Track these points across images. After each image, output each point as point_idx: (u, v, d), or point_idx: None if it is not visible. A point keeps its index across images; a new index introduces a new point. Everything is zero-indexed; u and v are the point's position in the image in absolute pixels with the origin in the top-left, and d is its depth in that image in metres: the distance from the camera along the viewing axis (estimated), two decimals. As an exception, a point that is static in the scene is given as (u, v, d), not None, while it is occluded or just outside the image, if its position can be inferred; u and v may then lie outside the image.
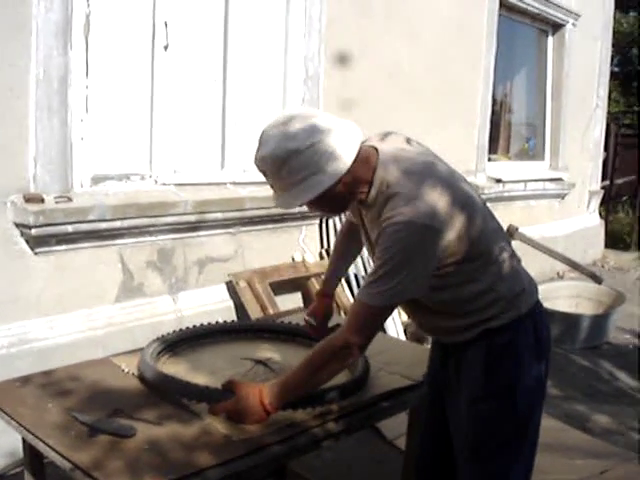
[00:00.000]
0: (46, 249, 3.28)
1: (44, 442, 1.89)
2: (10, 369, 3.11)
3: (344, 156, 1.87)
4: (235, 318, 4.19)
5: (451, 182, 1.94)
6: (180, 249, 3.91)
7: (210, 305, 4.06)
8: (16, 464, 3.10)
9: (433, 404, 2.29)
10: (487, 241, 1.99)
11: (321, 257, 4.70)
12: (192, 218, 3.83)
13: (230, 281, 4.15)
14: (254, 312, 4.04)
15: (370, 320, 1.96)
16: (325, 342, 2.03)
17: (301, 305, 4.59)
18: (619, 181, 10.52)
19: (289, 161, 1.83)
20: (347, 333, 1.96)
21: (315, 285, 4.47)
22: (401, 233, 1.80)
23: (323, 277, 2.59)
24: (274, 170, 1.87)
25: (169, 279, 3.89)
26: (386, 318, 2.06)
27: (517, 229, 6.22)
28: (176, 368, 2.37)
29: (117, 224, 3.47)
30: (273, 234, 4.42)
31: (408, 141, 2.06)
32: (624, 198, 11.45)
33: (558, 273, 7.65)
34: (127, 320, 3.66)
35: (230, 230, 4.14)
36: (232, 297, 4.18)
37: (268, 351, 2.59)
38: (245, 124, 4.25)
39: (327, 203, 1.95)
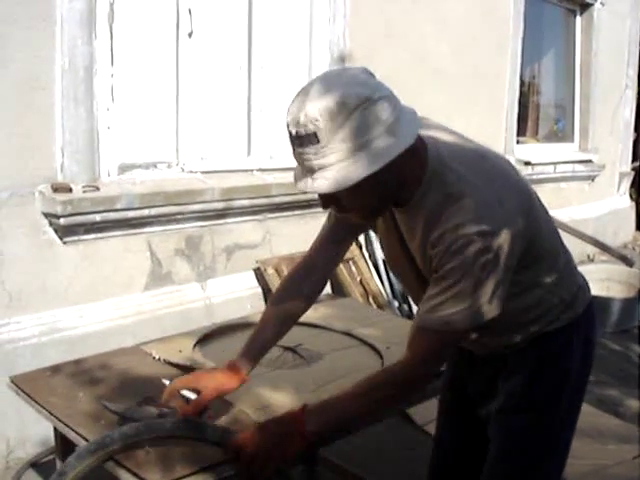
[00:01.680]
0: (75, 238, 3.29)
1: (75, 431, 1.90)
2: (41, 358, 3.14)
3: (410, 125, 1.50)
4: (263, 304, 4.18)
5: (512, 174, 1.66)
6: (208, 236, 3.91)
7: (238, 292, 4.06)
8: (48, 452, 3.13)
9: (452, 404, 2.11)
10: (551, 237, 1.74)
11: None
12: (219, 205, 3.82)
13: (258, 268, 4.14)
14: (282, 299, 4.03)
15: (440, 347, 1.63)
16: (385, 375, 1.74)
17: (329, 291, 4.58)
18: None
19: (356, 113, 1.39)
20: (412, 366, 1.65)
21: (344, 272, 4.45)
22: (476, 245, 1.46)
23: (245, 343, 2.01)
24: (331, 128, 1.38)
25: (197, 267, 3.89)
26: (459, 342, 1.72)
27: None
28: (205, 356, 2.37)
29: (145, 212, 3.47)
30: (301, 220, 4.40)
31: (445, 128, 1.72)
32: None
33: (588, 256, 7.56)
34: (156, 308, 3.67)
35: (257, 217, 4.13)
36: (260, 284, 4.17)
37: (296, 337, 2.57)
38: (271, 110, 4.22)
39: (376, 194, 1.52)
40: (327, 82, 1.44)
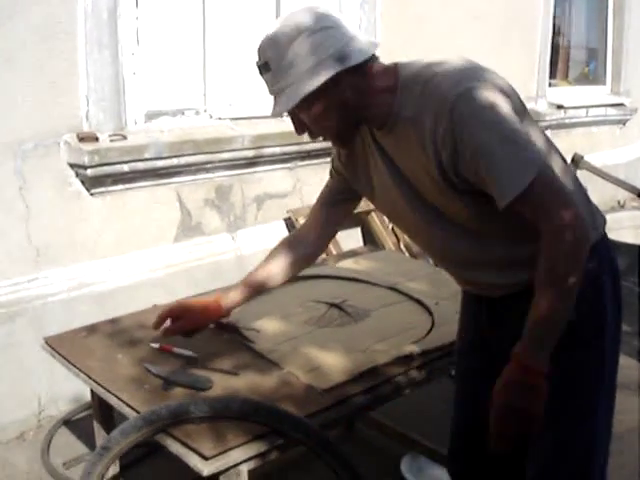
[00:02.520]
0: (102, 190, 3.16)
1: (117, 397, 1.80)
2: (71, 313, 3.06)
3: (365, 43, 1.58)
4: (295, 256, 4.06)
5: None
6: (238, 186, 3.77)
7: (269, 243, 3.91)
8: (80, 409, 3.06)
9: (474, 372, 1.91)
10: (552, 148, 1.64)
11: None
12: (249, 153, 3.68)
13: (289, 217, 4.01)
14: (314, 249, 3.91)
15: (552, 187, 1.47)
16: (551, 256, 1.46)
17: (361, 243, 4.45)
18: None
19: (298, 40, 1.52)
20: (553, 219, 1.44)
21: (376, 220, 4.31)
22: (475, 96, 1.46)
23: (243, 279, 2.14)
24: (278, 55, 1.53)
25: (227, 217, 3.77)
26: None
27: (582, 157, 5.94)
28: (245, 311, 2.25)
29: (174, 162, 3.33)
30: (331, 168, 4.25)
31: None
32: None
33: (619, 202, 7.36)
34: (186, 260, 3.56)
35: (288, 165, 3.98)
36: (292, 235, 4.04)
37: (340, 292, 2.46)
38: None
39: (334, 115, 1.58)
40: (279, 19, 1.60)
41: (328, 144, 3.57)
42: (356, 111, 1.60)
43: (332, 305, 2.32)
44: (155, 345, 2.03)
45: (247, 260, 3.78)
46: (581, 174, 5.92)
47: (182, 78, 3.55)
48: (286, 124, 3.95)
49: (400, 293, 2.47)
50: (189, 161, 3.41)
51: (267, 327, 2.16)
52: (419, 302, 2.40)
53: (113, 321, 2.23)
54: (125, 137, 3.13)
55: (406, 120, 1.56)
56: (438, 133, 1.49)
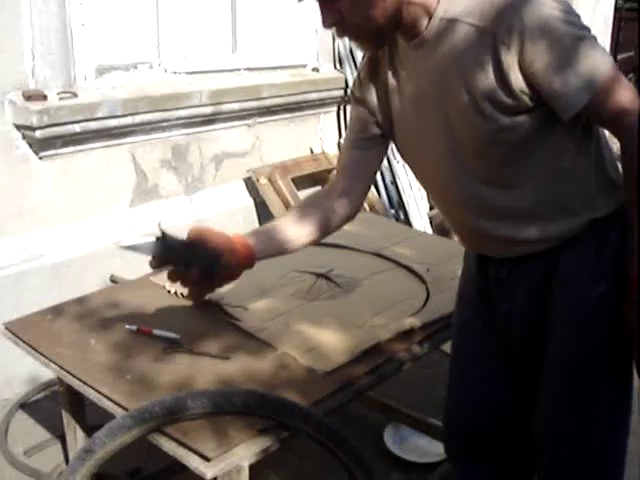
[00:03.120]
0: (52, 152, 2.90)
1: (96, 390, 1.61)
2: (24, 288, 2.83)
3: None
4: (256, 218, 3.87)
5: None
6: (195, 145, 3.54)
7: (229, 205, 3.74)
8: (36, 391, 2.84)
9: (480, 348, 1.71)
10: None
11: (340, 148, 4.34)
12: (207, 110, 3.44)
13: (249, 178, 3.80)
14: (277, 211, 3.72)
15: (623, 83, 1.36)
16: (626, 144, 1.37)
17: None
18: (622, 56, 10.06)
19: None
20: (630, 115, 1.35)
21: (337, 178, 4.14)
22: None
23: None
24: None
25: (185, 178, 3.54)
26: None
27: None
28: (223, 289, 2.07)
29: (128, 120, 3.08)
30: (290, 124, 4.04)
31: None
32: (629, 76, 11.03)
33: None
34: (144, 225, 3.32)
35: (247, 122, 3.76)
36: (252, 195, 3.84)
37: (323, 261, 2.29)
38: (258, 1, 3.80)
39: (369, 4, 1.37)
40: None
41: (288, 99, 3.36)
42: (396, 8, 1.38)
43: (319, 275, 2.15)
44: (132, 327, 1.84)
45: (206, 223, 3.57)
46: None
47: (134, 29, 3.27)
48: (245, 78, 3.74)
49: (387, 259, 2.32)
50: (144, 119, 3.16)
51: (251, 303, 1.99)
52: (408, 269, 2.25)
53: (80, 301, 2.02)
54: (75, 94, 2.86)
55: (450, 23, 1.37)
56: (499, 37, 1.31)
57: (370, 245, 2.41)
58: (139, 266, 3.13)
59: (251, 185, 3.81)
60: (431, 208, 4.70)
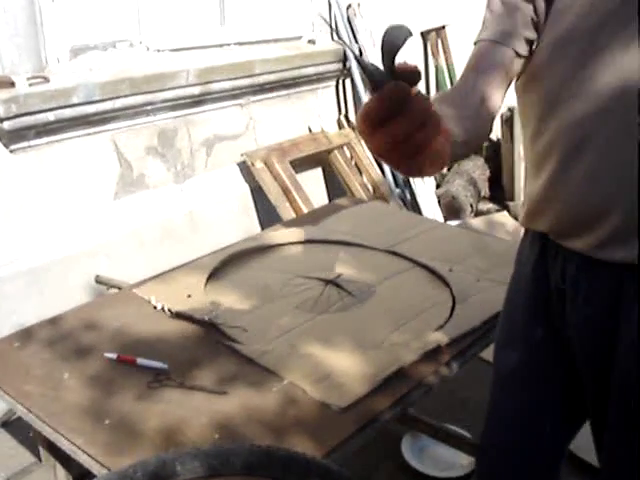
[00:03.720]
0: (23, 144, 2.61)
1: (70, 441, 1.34)
2: (-1, 296, 2.56)
3: None
4: (252, 205, 3.59)
5: None
6: (183, 129, 3.25)
7: (223, 192, 3.45)
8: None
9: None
10: None
11: (340, 126, 4.04)
12: (195, 90, 3.15)
13: (244, 162, 3.51)
14: (275, 197, 3.44)
15: None
16: None
17: (323, 184, 3.99)
18: None
19: None
20: None
21: (338, 158, 3.85)
22: None
23: None
24: None
25: (173, 166, 3.25)
26: None
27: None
28: (224, 300, 1.80)
29: (108, 105, 2.79)
30: (287, 102, 3.74)
31: None
32: None
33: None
34: (131, 220, 3.05)
35: (239, 101, 3.46)
36: (247, 181, 3.55)
37: (331, 262, 2.02)
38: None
39: None
40: None
41: (283, 75, 3.02)
42: None
43: (327, 282, 1.88)
44: (111, 355, 1.57)
45: (200, 214, 3.32)
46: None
47: (111, 4, 2.96)
48: (235, 54, 3.43)
49: (402, 258, 2.05)
50: (126, 104, 2.87)
51: (251, 319, 1.71)
52: (427, 269, 1.98)
53: (53, 321, 1.74)
54: (47, 79, 2.56)
55: None
56: None
57: (381, 241, 2.14)
58: (125, 265, 2.88)
59: (246, 170, 3.52)
60: (438, 186, 4.42)
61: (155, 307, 1.77)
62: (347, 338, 1.63)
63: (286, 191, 3.44)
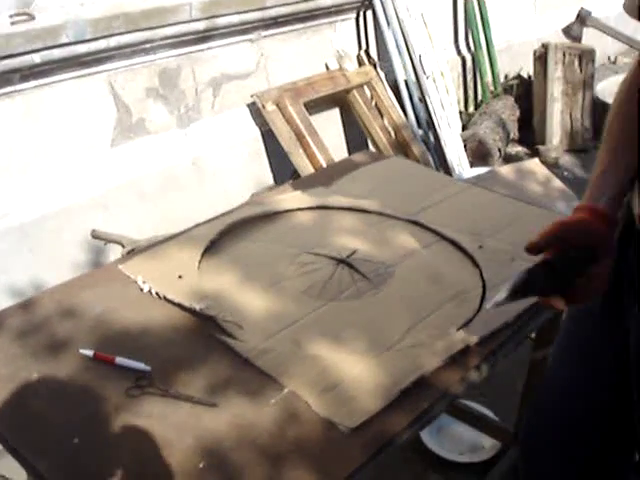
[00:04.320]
0: (9, 89, 2.39)
1: (31, 464, 1.14)
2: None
3: None
4: (263, 150, 3.34)
5: None
6: (187, 68, 2.98)
7: (231, 137, 3.21)
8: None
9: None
10: None
11: (360, 62, 3.74)
12: (200, 26, 2.88)
13: (254, 103, 3.25)
14: (288, 142, 3.19)
15: None
16: None
17: (340, 124, 3.72)
18: None
19: None
20: None
21: (358, 98, 3.57)
22: None
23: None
24: None
25: (177, 109, 3.00)
26: None
27: (590, 14, 5.15)
28: (214, 278, 1.58)
29: (102, 44, 2.54)
30: (302, 36, 3.45)
31: None
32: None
33: (609, 58, 6.62)
34: (130, 169, 2.83)
35: (249, 36, 3.18)
36: (258, 124, 3.30)
37: (344, 235, 1.78)
38: None
39: None
40: None
41: (297, 7, 2.77)
42: None
43: (339, 261, 1.64)
44: (88, 353, 1.36)
45: (205, 161, 3.08)
46: (587, 32, 5.18)
47: None
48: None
49: (426, 229, 1.80)
50: (122, 42, 2.62)
51: (248, 306, 1.49)
52: (454, 244, 1.74)
53: (25, 306, 1.52)
54: (32, 17, 2.32)
55: None
56: None
57: (403, 207, 1.89)
58: (123, 220, 2.65)
59: (256, 112, 3.27)
60: (464, 128, 4.14)
61: (141, 289, 1.55)
62: (359, 334, 1.41)
63: (299, 136, 3.18)
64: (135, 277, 1.58)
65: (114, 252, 2.76)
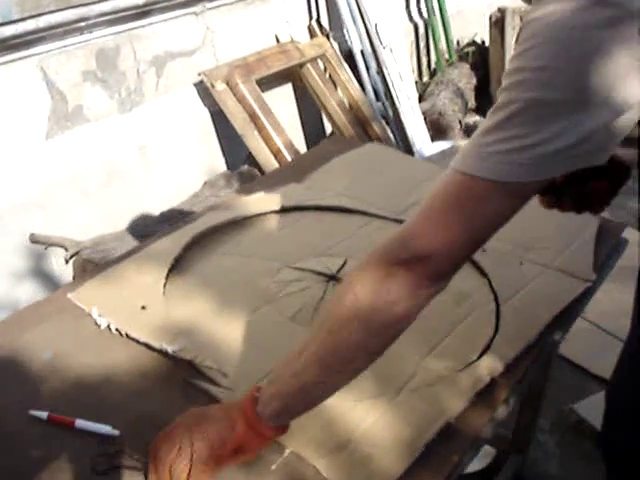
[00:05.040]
0: None
1: None
2: None
3: None
4: (214, 133, 3.08)
5: None
6: (127, 47, 2.70)
7: (178, 120, 2.94)
8: None
9: None
10: None
11: (312, 34, 3.49)
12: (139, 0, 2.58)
13: (201, 82, 2.98)
14: (241, 124, 2.93)
15: (464, 205, 0.84)
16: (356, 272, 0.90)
17: (294, 101, 3.47)
18: None
19: None
20: (409, 232, 0.86)
21: (312, 72, 3.32)
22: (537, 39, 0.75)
23: None
24: None
25: (117, 93, 2.71)
26: (494, 223, 0.89)
27: None
28: (185, 307, 1.34)
29: (30, 25, 2.24)
30: (249, 7, 3.18)
31: None
32: None
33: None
34: (68, 162, 2.54)
35: (193, 9, 2.90)
36: (207, 105, 3.04)
37: (329, 241, 1.56)
38: None
39: None
40: None
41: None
42: None
43: (330, 277, 1.42)
44: (40, 414, 1.11)
45: (151, 148, 2.82)
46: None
47: None
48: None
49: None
50: (53, 21, 2.33)
51: (229, 343, 1.26)
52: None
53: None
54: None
55: None
56: None
57: (388, 203, 1.68)
58: (66, 218, 2.38)
59: (205, 92, 3.00)
60: (420, 99, 3.93)
61: (97, 323, 1.30)
62: (365, 375, 1.19)
63: (253, 117, 2.93)
64: (89, 309, 1.33)
65: (56, 256, 2.49)
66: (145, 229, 2.59)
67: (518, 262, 1.48)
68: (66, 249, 2.46)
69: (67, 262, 2.47)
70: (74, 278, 2.49)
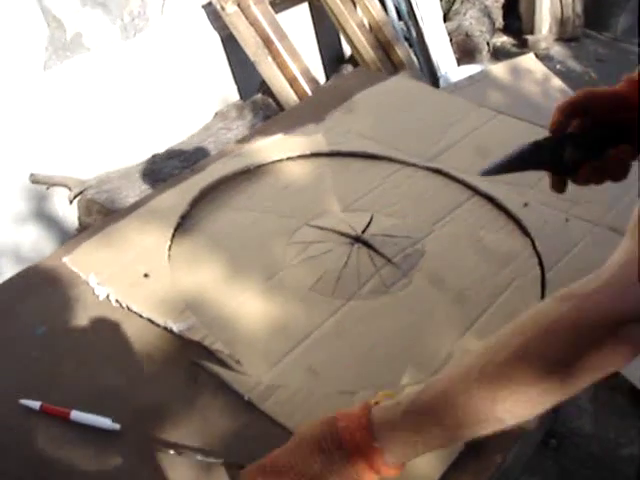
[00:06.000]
0: None
1: None
2: None
3: None
4: (225, 60, 2.88)
5: None
6: (129, -34, 2.49)
7: (185, 47, 2.74)
8: None
9: None
10: None
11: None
12: None
13: (210, 4, 2.77)
14: (253, 50, 2.74)
15: None
16: (540, 311, 0.74)
17: (310, 23, 3.24)
18: None
19: None
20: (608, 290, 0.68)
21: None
22: None
23: None
24: None
25: (119, 18, 2.52)
26: None
27: None
28: (192, 275, 1.20)
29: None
30: None
31: None
32: None
33: None
34: (68, 95, 2.38)
35: None
36: (216, 29, 2.83)
37: (353, 192, 1.40)
38: None
39: None
40: None
41: None
42: None
43: (355, 239, 1.27)
44: (32, 404, 0.99)
45: (156, 77, 2.62)
46: None
47: None
48: None
49: (452, 180, 1.44)
50: (46, -61, 2.11)
51: (242, 318, 1.12)
52: (492, 200, 1.38)
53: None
54: None
55: None
56: None
57: (418, 147, 1.52)
58: (67, 156, 2.23)
59: (214, 15, 2.80)
60: (445, 19, 3.68)
61: (95, 293, 1.17)
62: (394, 352, 1.06)
63: (267, 42, 2.74)
64: (86, 275, 1.19)
65: (59, 197, 2.35)
66: (153, 166, 2.44)
67: (564, 219, 1.32)
68: (69, 189, 2.32)
69: (71, 203, 2.33)
70: (79, 219, 2.36)
